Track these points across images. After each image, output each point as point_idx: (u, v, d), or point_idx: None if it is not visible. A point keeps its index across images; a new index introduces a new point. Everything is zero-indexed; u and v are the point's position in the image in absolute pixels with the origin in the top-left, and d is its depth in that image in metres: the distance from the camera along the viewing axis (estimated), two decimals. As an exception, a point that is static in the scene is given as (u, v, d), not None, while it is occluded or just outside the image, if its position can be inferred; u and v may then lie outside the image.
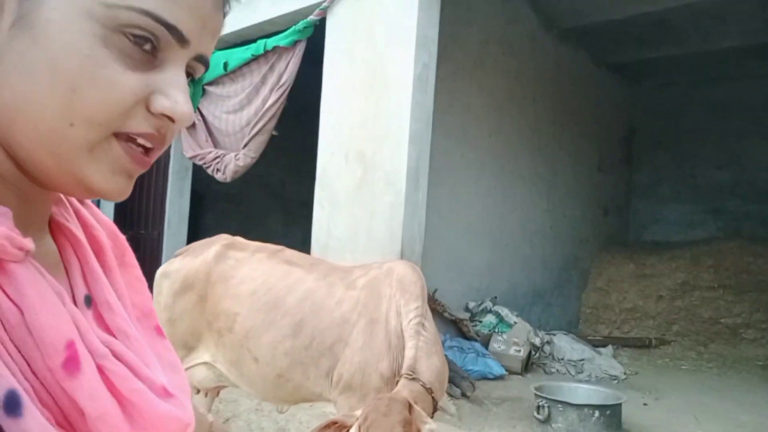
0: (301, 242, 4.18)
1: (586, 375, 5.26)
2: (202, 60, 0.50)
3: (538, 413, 3.64)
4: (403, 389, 1.95)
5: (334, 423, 1.74)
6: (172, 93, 0.45)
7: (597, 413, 3.52)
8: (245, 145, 4.68)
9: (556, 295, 7.19)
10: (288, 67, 4.34)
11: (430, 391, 2.04)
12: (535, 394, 3.73)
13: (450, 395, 4.08)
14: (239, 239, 2.63)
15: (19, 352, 0.39)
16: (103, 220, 0.58)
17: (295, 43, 4.27)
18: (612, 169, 8.42)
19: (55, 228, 0.52)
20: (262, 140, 4.66)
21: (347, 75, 4.02)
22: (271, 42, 4.32)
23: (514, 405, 4.25)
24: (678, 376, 5.57)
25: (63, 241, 0.51)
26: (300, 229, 4.22)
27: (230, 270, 2.41)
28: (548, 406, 3.60)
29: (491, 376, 4.78)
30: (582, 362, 5.45)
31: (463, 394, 4.24)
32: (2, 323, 0.39)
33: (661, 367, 5.97)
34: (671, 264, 7.57)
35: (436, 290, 4.95)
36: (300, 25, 4.19)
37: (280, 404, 2.52)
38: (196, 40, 0.47)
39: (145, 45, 0.44)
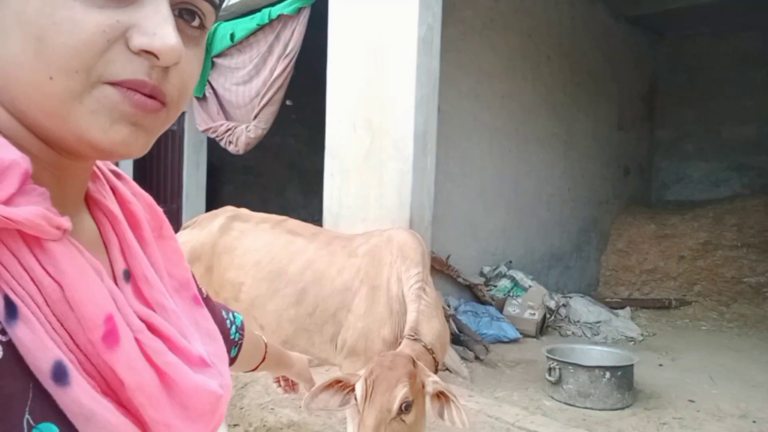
0: (320, 212, 4.21)
1: (602, 337, 5.26)
2: None
3: (550, 375, 3.67)
4: (406, 348, 1.99)
5: (338, 382, 1.77)
6: (148, 26, 0.41)
7: (608, 374, 3.54)
8: (255, 117, 4.70)
9: (574, 258, 7.15)
10: (293, 36, 4.30)
11: (431, 351, 2.07)
12: (547, 357, 3.76)
13: (463, 358, 4.14)
14: (244, 211, 2.67)
15: (63, 326, 0.41)
16: (139, 193, 0.58)
17: (299, 11, 4.22)
18: (633, 127, 8.22)
19: (92, 204, 0.52)
20: (272, 111, 4.67)
21: (351, 41, 3.97)
22: (276, 10, 4.28)
23: (528, 367, 4.29)
24: (697, 337, 5.54)
25: (100, 217, 0.52)
26: (318, 199, 4.25)
27: (234, 241, 2.46)
28: (559, 368, 3.63)
29: (506, 340, 4.82)
30: (598, 324, 5.45)
31: (477, 357, 4.30)
32: (45, 299, 0.40)
33: (680, 328, 5.93)
34: (693, 223, 7.43)
35: (449, 256, 4.97)
36: (303, -9, 4.14)
37: (288, 370, 2.59)
38: None
39: None
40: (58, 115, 0.41)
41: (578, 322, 5.50)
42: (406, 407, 1.65)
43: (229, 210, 2.66)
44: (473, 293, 5.28)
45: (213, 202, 6.53)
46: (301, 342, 2.34)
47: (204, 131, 5.26)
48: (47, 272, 0.40)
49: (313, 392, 1.73)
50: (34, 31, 0.39)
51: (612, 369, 3.57)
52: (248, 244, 2.44)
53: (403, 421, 1.65)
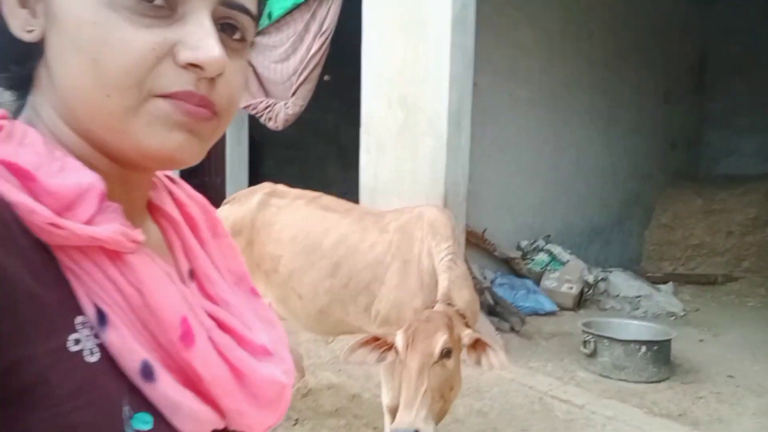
0: (357, 186, 4.30)
1: (642, 312, 5.22)
2: (233, 4, 0.47)
3: (585, 348, 3.70)
4: (440, 309, 2.07)
5: (376, 339, 1.87)
6: (193, 41, 0.44)
7: (644, 348, 3.54)
8: (293, 94, 4.79)
9: (615, 233, 7.05)
10: (329, 14, 4.36)
11: (463, 316, 2.13)
12: (583, 330, 3.78)
13: (499, 330, 4.20)
14: (280, 187, 2.78)
15: (146, 328, 0.44)
16: (194, 196, 0.62)
17: (334, -10, 4.26)
18: (681, 100, 7.93)
19: (154, 211, 0.56)
20: (309, 88, 4.75)
21: (386, 19, 4.00)
22: (312, -11, 4.34)
23: (564, 340, 4.32)
24: (742, 314, 5.41)
25: (163, 222, 0.56)
26: (356, 173, 4.35)
27: (272, 216, 2.58)
28: (594, 341, 3.65)
29: (542, 312, 4.85)
30: (638, 299, 5.40)
31: (512, 329, 4.35)
32: (129, 306, 0.44)
33: (725, 305, 5.80)
34: (743, 198, 7.18)
35: (485, 230, 5.00)
36: (338, -30, 4.17)
37: (326, 336, 2.73)
38: None
39: None
40: (118, 129, 0.45)
41: (618, 296, 5.47)
42: (446, 353, 1.74)
43: (266, 186, 2.79)
44: (510, 267, 5.31)
45: (255, 176, 6.74)
46: (336, 311, 2.46)
47: (245, 108, 5.40)
48: (128, 282, 0.44)
49: (352, 346, 1.85)
50: (89, 55, 0.43)
51: (648, 343, 3.57)
52: (285, 219, 2.56)
53: (445, 366, 1.74)
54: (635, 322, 4.18)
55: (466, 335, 1.85)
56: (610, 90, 6.57)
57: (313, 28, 4.44)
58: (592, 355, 3.67)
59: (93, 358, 0.41)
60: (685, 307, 5.41)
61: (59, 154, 0.44)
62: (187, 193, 0.61)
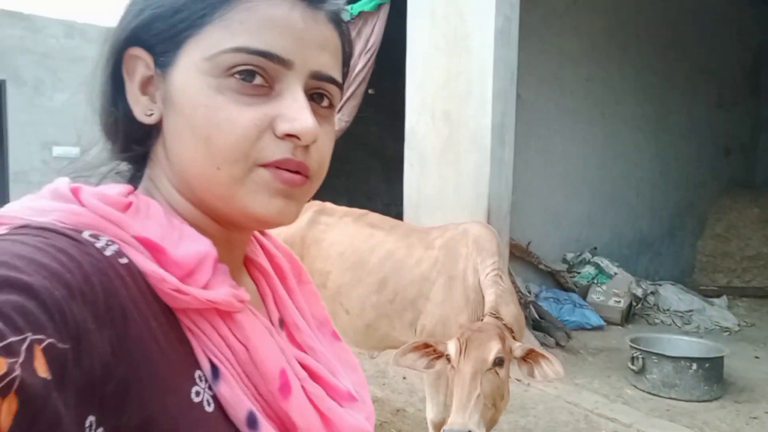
0: (401, 199, 4.37)
1: (693, 327, 5.07)
2: (322, 76, 0.52)
3: (633, 364, 3.64)
4: (490, 321, 2.09)
5: (427, 345, 1.90)
6: (289, 114, 0.49)
7: (695, 366, 3.46)
8: (339, 110, 4.90)
9: (666, 244, 6.86)
10: (374, 31, 4.46)
11: (510, 330, 2.13)
12: (630, 345, 3.72)
13: (543, 344, 4.18)
14: (328, 205, 2.88)
15: (249, 380, 0.49)
16: (280, 246, 0.66)
17: (378, 7, 4.36)
18: (735, 105, 7.66)
19: (248, 263, 0.61)
20: (354, 104, 4.86)
21: (430, 34, 4.07)
22: (357, 8, 4.45)
23: (611, 355, 4.26)
24: (802, 329, 5.19)
25: (257, 275, 0.61)
26: (399, 186, 4.42)
27: (321, 234, 2.67)
28: (642, 358, 3.59)
29: (588, 327, 4.78)
30: (690, 313, 5.25)
31: (558, 344, 4.31)
32: (237, 360, 0.48)
33: (783, 319, 5.57)
34: (804, 207, 6.88)
35: (529, 242, 4.98)
36: (383, -12, 4.27)
37: (371, 351, 2.80)
38: (299, 57, 0.50)
39: (255, 79, 0.48)
40: (227, 197, 0.50)
41: (668, 310, 5.33)
42: (499, 361, 1.76)
43: (315, 204, 2.88)
44: (555, 280, 5.26)
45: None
46: (383, 326, 2.53)
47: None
48: (237, 338, 0.49)
49: (403, 349, 1.89)
50: (202, 134, 0.48)
51: (699, 360, 3.48)
52: (333, 236, 2.65)
53: (497, 374, 1.76)
54: (686, 337, 4.08)
55: (518, 347, 1.86)
56: (659, 96, 6.42)
57: (359, 45, 4.55)
58: (641, 372, 3.60)
59: (210, 408, 0.46)
60: (740, 322, 5.23)
61: (177, 222, 0.50)
62: (275, 244, 0.65)
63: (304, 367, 0.55)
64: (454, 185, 3.94)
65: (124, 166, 0.57)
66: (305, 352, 0.58)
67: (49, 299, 0.35)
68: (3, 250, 0.37)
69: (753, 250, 6.99)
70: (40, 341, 0.33)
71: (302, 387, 0.52)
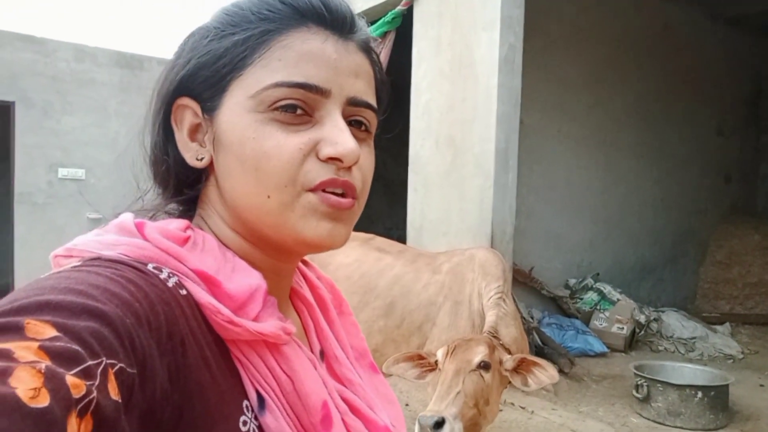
0: (404, 222, 4.40)
1: (697, 354, 5.05)
2: (358, 102, 0.54)
3: (637, 392, 3.61)
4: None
5: (419, 356, 1.91)
6: (331, 138, 0.51)
7: (700, 394, 3.43)
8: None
9: (668, 270, 6.86)
10: (380, 56, 4.52)
11: (508, 351, 2.13)
12: (635, 373, 3.69)
13: (547, 371, 4.15)
14: (335, 228, 2.90)
15: (293, 410, 0.50)
16: (322, 276, 0.68)
17: (385, 34, 4.44)
18: (735, 133, 7.73)
19: (292, 294, 0.62)
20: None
21: (435, 61, 4.13)
22: (363, 35, 4.53)
23: (615, 383, 4.23)
24: (806, 357, 5.16)
25: (299, 305, 0.62)
26: (403, 209, 4.44)
27: (327, 257, 2.69)
28: (647, 385, 3.56)
29: (592, 354, 4.76)
30: (693, 340, 5.23)
31: (561, 371, 4.29)
32: (282, 391, 0.50)
33: (787, 347, 5.54)
34: (805, 234, 6.89)
35: (532, 268, 4.98)
36: (389, 16, 4.35)
37: (377, 376, 2.79)
38: (336, 85, 0.52)
39: (296, 110, 0.51)
40: (278, 224, 0.52)
41: (671, 337, 5.31)
42: (484, 365, 1.76)
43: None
44: (558, 306, 5.25)
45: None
46: (389, 351, 2.52)
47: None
48: (283, 370, 0.50)
49: (395, 358, 1.89)
50: (251, 164, 0.50)
51: (704, 388, 3.46)
52: (340, 260, 2.67)
53: (482, 377, 1.75)
54: (690, 365, 4.05)
55: (509, 359, 1.86)
56: (660, 123, 6.49)
57: (364, 71, 4.62)
58: (645, 399, 3.57)
59: None
60: (744, 350, 5.20)
61: (230, 255, 0.52)
62: (317, 274, 0.67)
63: (344, 399, 0.56)
64: (457, 210, 3.96)
65: (173, 206, 0.59)
66: (344, 384, 0.59)
67: (121, 326, 0.37)
68: (80, 280, 0.39)
69: (755, 277, 6.98)
70: (113, 365, 0.35)
71: (342, 420, 0.53)
